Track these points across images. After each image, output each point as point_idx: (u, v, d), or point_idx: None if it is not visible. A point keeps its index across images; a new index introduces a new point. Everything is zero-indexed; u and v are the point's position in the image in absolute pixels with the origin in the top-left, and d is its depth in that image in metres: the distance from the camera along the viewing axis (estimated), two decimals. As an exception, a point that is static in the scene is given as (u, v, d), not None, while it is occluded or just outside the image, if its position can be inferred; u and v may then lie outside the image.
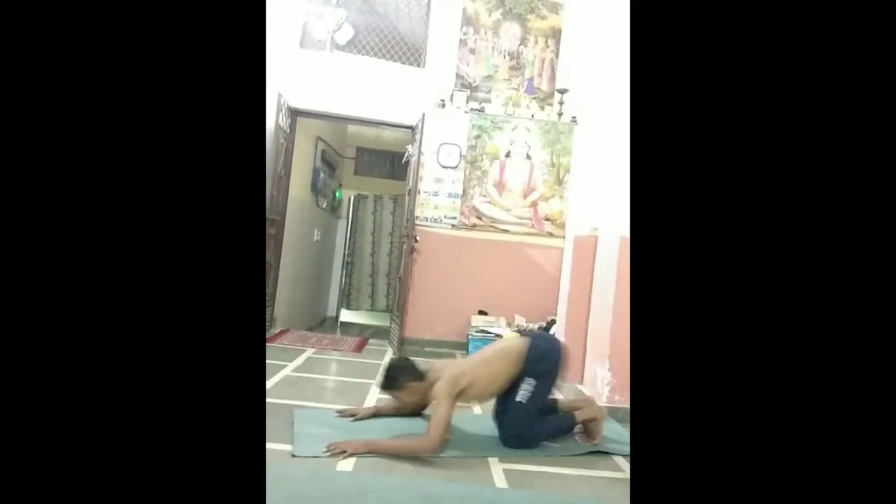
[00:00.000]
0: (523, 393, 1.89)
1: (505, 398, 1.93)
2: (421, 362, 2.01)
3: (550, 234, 3.83)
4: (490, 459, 1.77)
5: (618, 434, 2.10)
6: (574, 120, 3.85)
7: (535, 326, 3.57)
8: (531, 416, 1.89)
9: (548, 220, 3.85)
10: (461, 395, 1.82)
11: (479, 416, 2.32)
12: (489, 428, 2.13)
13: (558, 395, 2.24)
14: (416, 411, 2.00)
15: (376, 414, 2.06)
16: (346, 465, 1.62)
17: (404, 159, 4.06)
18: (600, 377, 2.58)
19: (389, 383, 1.88)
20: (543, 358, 1.93)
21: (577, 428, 2.04)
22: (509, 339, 2.00)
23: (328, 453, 1.66)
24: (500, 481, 1.62)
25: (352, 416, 2.04)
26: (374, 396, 2.45)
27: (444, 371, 1.85)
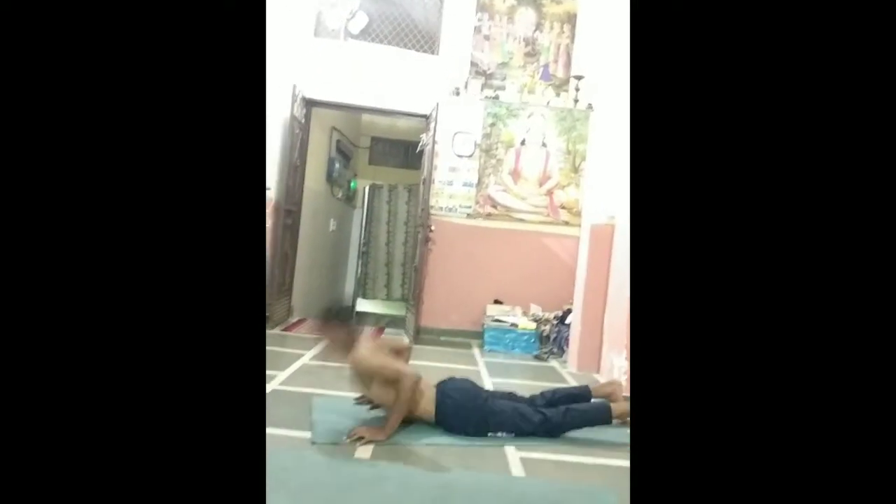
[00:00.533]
0: (501, 433, 1.85)
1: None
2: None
3: (566, 223, 3.80)
4: (507, 448, 1.77)
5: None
6: (590, 107, 3.78)
7: (552, 315, 3.56)
8: (520, 422, 1.86)
9: (563, 208, 3.81)
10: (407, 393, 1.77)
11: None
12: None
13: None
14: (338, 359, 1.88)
15: None
16: (364, 452, 1.64)
17: (419, 148, 4.05)
18: (617, 366, 2.57)
19: (330, 317, 1.85)
20: (458, 413, 1.85)
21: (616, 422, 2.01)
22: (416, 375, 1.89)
23: (348, 440, 1.69)
24: (517, 469, 1.62)
25: (369, 402, 2.07)
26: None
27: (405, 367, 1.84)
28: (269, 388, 2.20)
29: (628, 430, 1.99)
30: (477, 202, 3.80)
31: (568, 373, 3.01)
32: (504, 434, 1.86)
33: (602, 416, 1.97)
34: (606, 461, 1.75)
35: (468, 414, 1.85)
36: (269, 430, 1.68)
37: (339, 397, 2.17)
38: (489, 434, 1.86)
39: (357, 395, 2.13)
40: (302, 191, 3.97)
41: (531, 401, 1.99)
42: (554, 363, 3.26)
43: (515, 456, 1.72)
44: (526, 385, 2.77)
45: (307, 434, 1.73)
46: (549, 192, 3.81)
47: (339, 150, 5.11)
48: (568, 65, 3.81)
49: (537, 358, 3.37)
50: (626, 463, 1.75)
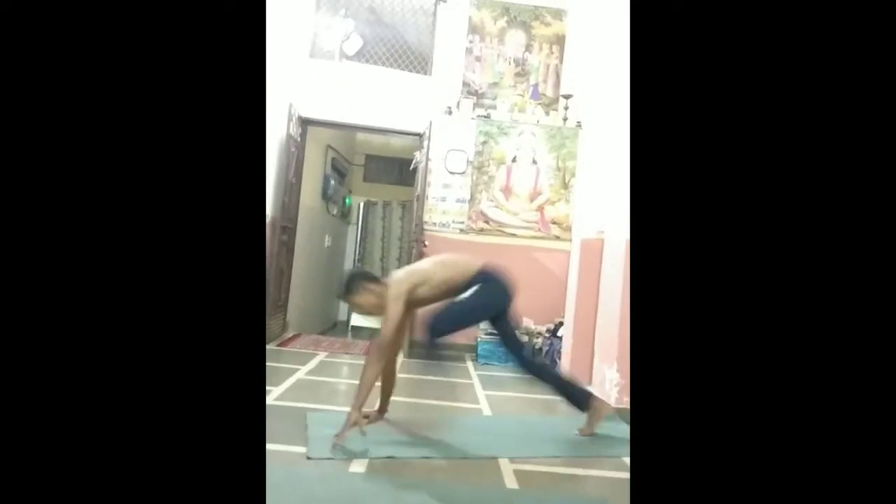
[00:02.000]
0: (462, 296, 1.95)
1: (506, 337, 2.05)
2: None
3: (557, 238, 3.86)
4: (500, 461, 1.79)
5: (627, 435, 2.13)
6: (579, 125, 3.88)
7: (543, 329, 3.60)
8: (458, 315, 1.98)
9: (554, 223, 3.88)
10: (413, 294, 1.90)
11: (488, 418, 2.36)
12: (498, 429, 2.16)
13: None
14: (377, 314, 2.02)
15: (383, 412, 2.11)
16: (359, 466, 1.66)
17: (412, 166, 4.12)
18: (608, 379, 2.61)
19: (347, 289, 1.94)
20: (489, 286, 2.00)
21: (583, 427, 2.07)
22: (463, 257, 2.09)
23: (337, 445, 1.72)
24: (511, 482, 1.64)
25: (365, 417, 2.09)
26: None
27: (396, 284, 1.93)
28: (264, 403, 2.22)
29: (621, 443, 2.03)
30: (470, 218, 3.86)
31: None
32: (465, 294, 1.94)
33: (578, 395, 2.07)
34: (600, 473, 1.78)
35: (505, 287, 2.04)
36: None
37: (334, 412, 2.19)
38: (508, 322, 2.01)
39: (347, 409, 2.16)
40: (297, 208, 4.01)
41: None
42: (547, 376, 3.29)
43: (509, 468, 1.74)
44: (520, 398, 2.80)
45: (302, 449, 1.74)
46: (540, 208, 3.88)
47: (335, 168, 5.18)
48: (557, 84, 3.91)
49: (531, 371, 3.40)
50: (619, 475, 1.78)
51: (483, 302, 2.01)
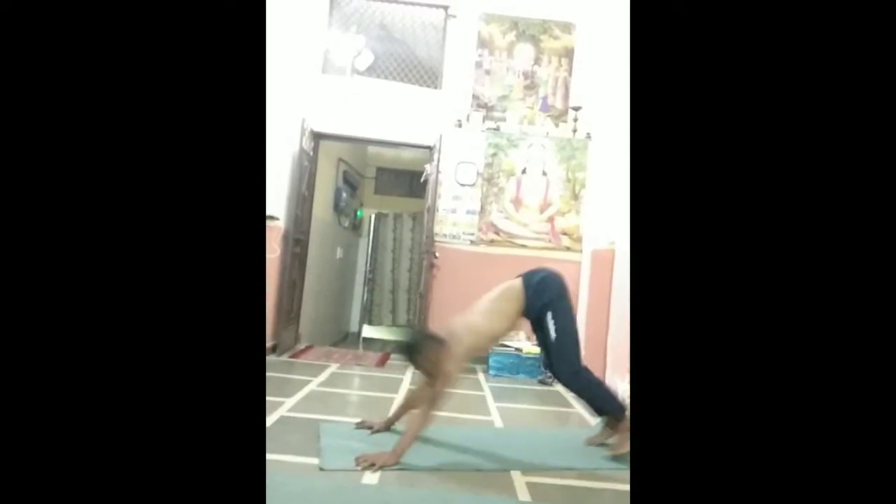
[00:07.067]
0: (551, 331, 1.97)
1: (544, 346, 2.05)
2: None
3: (568, 249, 3.86)
4: (513, 473, 1.79)
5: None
6: (588, 136, 3.90)
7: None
8: (572, 347, 1.99)
9: (565, 234, 3.88)
10: (473, 351, 1.98)
11: (501, 431, 2.35)
12: (511, 442, 2.15)
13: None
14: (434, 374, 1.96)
15: (390, 424, 2.11)
16: (372, 477, 1.67)
17: (423, 178, 4.16)
18: (621, 390, 2.59)
19: (413, 354, 1.93)
20: (541, 288, 2.02)
21: (612, 439, 2.06)
22: (504, 285, 2.07)
23: (359, 467, 1.70)
24: (524, 495, 1.64)
25: (368, 428, 2.10)
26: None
27: (457, 344, 1.91)
28: (276, 414, 2.24)
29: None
30: (480, 229, 3.88)
31: (572, 396, 3.02)
32: (552, 324, 1.96)
33: (611, 405, 2.07)
34: (612, 486, 1.77)
35: (556, 280, 2.05)
36: (277, 457, 1.71)
37: (346, 423, 2.20)
38: (541, 311, 1.98)
39: (358, 420, 2.17)
40: (310, 220, 4.06)
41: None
42: (558, 387, 3.27)
43: (522, 481, 1.73)
44: (532, 410, 2.78)
45: (315, 460, 1.75)
46: (551, 219, 3.89)
47: (346, 181, 5.25)
48: (566, 96, 3.94)
49: (541, 382, 3.38)
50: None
51: (567, 315, 2.01)
